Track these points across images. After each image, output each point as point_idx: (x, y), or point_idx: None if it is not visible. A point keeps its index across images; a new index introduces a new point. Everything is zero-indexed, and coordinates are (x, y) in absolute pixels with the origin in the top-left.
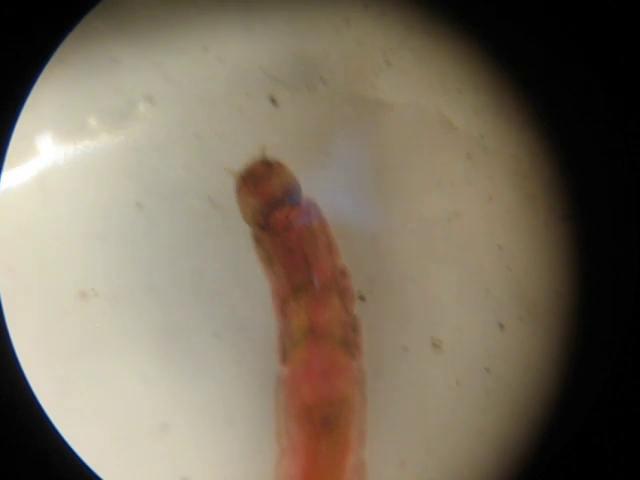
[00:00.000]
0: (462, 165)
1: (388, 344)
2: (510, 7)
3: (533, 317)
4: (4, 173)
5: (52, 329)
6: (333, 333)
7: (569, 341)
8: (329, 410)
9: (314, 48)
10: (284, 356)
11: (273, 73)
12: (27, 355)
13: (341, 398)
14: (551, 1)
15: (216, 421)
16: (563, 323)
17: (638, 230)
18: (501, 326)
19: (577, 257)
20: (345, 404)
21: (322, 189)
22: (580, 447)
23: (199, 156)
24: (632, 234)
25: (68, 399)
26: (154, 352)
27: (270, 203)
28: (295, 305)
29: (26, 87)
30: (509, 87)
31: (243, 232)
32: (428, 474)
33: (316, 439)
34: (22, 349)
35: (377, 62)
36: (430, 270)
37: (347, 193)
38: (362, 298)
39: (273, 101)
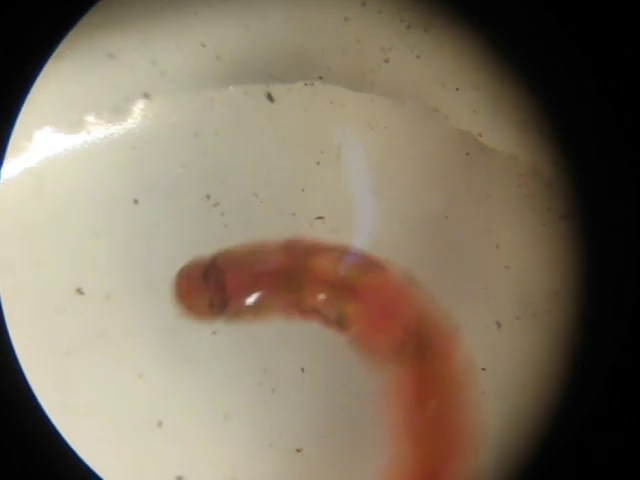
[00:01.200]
0: (460, 163)
1: None
2: (510, 5)
3: (531, 316)
4: (2, 169)
5: (49, 326)
6: (353, 273)
7: (567, 340)
8: (414, 338)
9: (312, 45)
10: (341, 324)
11: (271, 70)
12: (25, 351)
13: (415, 318)
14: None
15: (213, 419)
16: (561, 322)
17: (638, 230)
18: (498, 325)
19: (575, 256)
20: (422, 320)
21: (317, 185)
22: (579, 447)
23: (197, 153)
24: (632, 233)
25: (65, 395)
26: (151, 349)
27: (207, 294)
28: (303, 297)
29: (25, 85)
30: (508, 86)
31: (241, 229)
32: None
33: (417, 367)
34: (20, 345)
35: (375, 60)
36: (427, 269)
37: (344, 191)
38: None
39: (270, 98)
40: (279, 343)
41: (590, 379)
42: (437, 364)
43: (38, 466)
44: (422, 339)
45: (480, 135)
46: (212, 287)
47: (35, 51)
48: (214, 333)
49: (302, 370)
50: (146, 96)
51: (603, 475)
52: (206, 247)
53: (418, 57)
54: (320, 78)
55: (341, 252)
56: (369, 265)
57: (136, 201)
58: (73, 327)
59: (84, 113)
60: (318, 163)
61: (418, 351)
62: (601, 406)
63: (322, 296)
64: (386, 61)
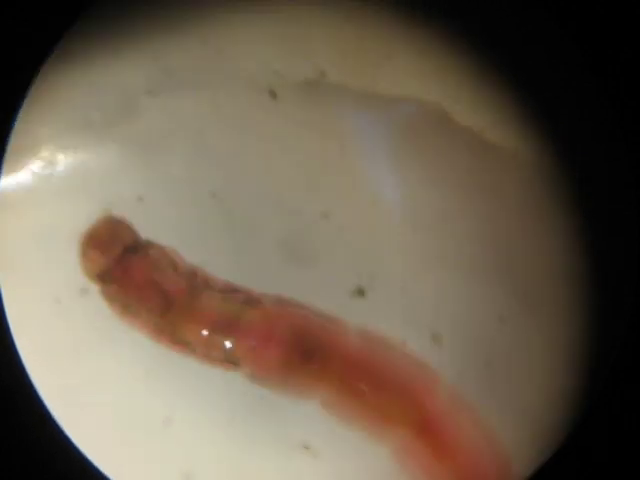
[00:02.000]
0: (462, 159)
1: (388, 338)
2: (511, 4)
3: (533, 311)
4: (4, 169)
5: (54, 325)
6: (226, 311)
7: (569, 335)
8: (297, 348)
9: (314, 41)
10: (232, 363)
11: (273, 67)
12: (29, 352)
13: (294, 332)
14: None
15: (219, 416)
16: (563, 317)
17: (638, 227)
18: (501, 319)
19: (577, 251)
20: (300, 330)
21: (321, 182)
22: (582, 443)
23: (200, 150)
24: (633, 229)
25: (70, 394)
26: (158, 347)
27: (109, 261)
28: (180, 330)
29: (26, 83)
30: (510, 81)
31: (244, 227)
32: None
33: (315, 371)
34: (24, 346)
35: (377, 56)
36: (430, 264)
37: (346, 187)
38: (362, 293)
39: (273, 95)
40: None
41: (592, 373)
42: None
43: (42, 465)
44: (304, 346)
45: (482, 130)
46: (120, 259)
47: (36, 48)
48: None
49: None
50: (150, 93)
51: (603, 475)
52: (210, 245)
53: (419, 53)
54: (323, 75)
55: (227, 290)
56: (249, 301)
57: (141, 198)
58: (78, 326)
59: (88, 111)
60: (322, 160)
61: (304, 357)
62: (601, 406)
63: (204, 332)
64: (388, 57)
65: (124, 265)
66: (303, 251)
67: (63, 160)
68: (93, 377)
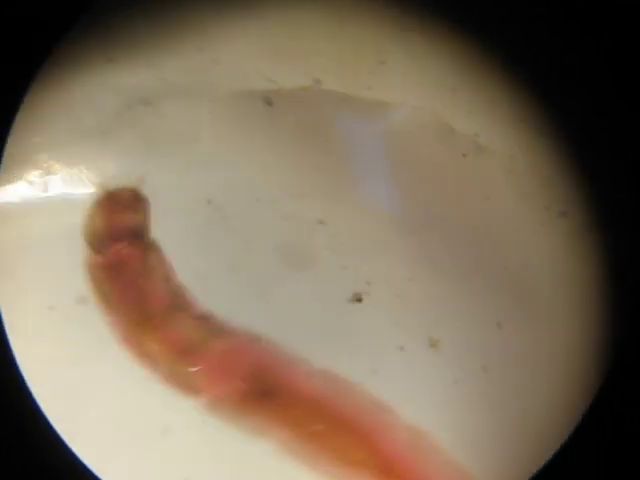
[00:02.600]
0: (457, 164)
1: (385, 343)
2: (505, 6)
3: (530, 316)
4: (1, 177)
5: (52, 334)
6: (195, 338)
7: (567, 340)
8: (257, 384)
9: (308, 48)
10: (191, 389)
11: (268, 74)
12: (27, 360)
13: (256, 368)
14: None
15: (218, 422)
16: (560, 322)
17: (637, 227)
18: (499, 325)
19: (574, 255)
20: (262, 367)
21: (316, 188)
22: (578, 447)
23: (196, 157)
24: (631, 231)
25: (69, 403)
26: None
27: (113, 234)
28: (143, 339)
29: (22, 90)
30: (504, 86)
31: (242, 232)
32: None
33: (273, 409)
34: (22, 355)
35: (372, 62)
36: (427, 270)
37: (342, 193)
38: (359, 299)
39: (268, 102)
40: None
41: (589, 378)
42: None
43: (42, 473)
44: (264, 384)
45: (477, 135)
46: (121, 237)
47: (31, 57)
48: None
49: None
50: (145, 101)
51: (603, 475)
52: (207, 252)
53: (414, 58)
54: (317, 82)
55: (201, 317)
56: (220, 331)
57: None
58: (76, 335)
59: (84, 118)
60: (317, 167)
61: (263, 395)
62: (599, 407)
63: (169, 353)
64: (382, 63)
65: (121, 255)
66: (300, 258)
67: (59, 168)
68: (92, 385)
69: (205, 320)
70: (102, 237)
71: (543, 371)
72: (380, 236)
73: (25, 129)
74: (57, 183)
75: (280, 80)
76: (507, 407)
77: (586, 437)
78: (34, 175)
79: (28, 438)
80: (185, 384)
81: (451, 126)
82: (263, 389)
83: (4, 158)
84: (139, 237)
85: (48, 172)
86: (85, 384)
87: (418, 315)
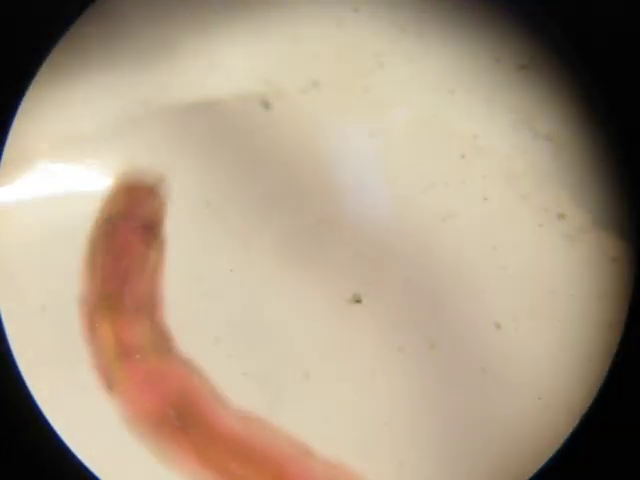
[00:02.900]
0: (456, 165)
1: (384, 344)
2: (503, 8)
3: (529, 316)
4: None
5: (52, 336)
6: (142, 345)
7: (566, 340)
8: (176, 410)
9: (306, 51)
10: (110, 383)
11: (265, 77)
12: (26, 361)
13: (180, 394)
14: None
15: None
16: (560, 322)
17: (635, 228)
18: (497, 326)
19: (572, 256)
20: (187, 396)
21: (315, 191)
22: (578, 448)
23: (194, 160)
24: (629, 233)
25: (68, 403)
26: None
27: (129, 214)
28: (101, 319)
29: (19, 94)
30: (502, 87)
31: (240, 235)
32: (425, 474)
33: (188, 440)
34: (21, 355)
35: (370, 64)
36: (425, 271)
37: (341, 195)
38: (358, 300)
39: (266, 105)
40: None
41: (588, 380)
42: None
43: (41, 474)
44: (183, 414)
45: (475, 136)
46: (132, 227)
47: (30, 59)
48: (216, 339)
49: None
50: (144, 104)
51: (603, 475)
52: (206, 253)
53: (412, 61)
54: (315, 84)
55: (158, 327)
56: (163, 347)
57: None
58: (75, 336)
59: (82, 122)
60: (315, 169)
61: (180, 424)
62: (599, 408)
63: (109, 341)
64: (380, 66)
65: (127, 238)
66: (299, 259)
67: (57, 171)
68: (90, 386)
69: (161, 335)
70: (118, 214)
71: (542, 372)
72: (379, 238)
73: (24, 130)
74: (55, 186)
75: (278, 83)
76: (507, 408)
77: (586, 437)
78: (32, 178)
79: (26, 437)
80: (108, 380)
81: (449, 127)
82: (184, 419)
83: (3, 159)
84: (151, 229)
85: (46, 175)
86: (83, 383)
87: (417, 316)
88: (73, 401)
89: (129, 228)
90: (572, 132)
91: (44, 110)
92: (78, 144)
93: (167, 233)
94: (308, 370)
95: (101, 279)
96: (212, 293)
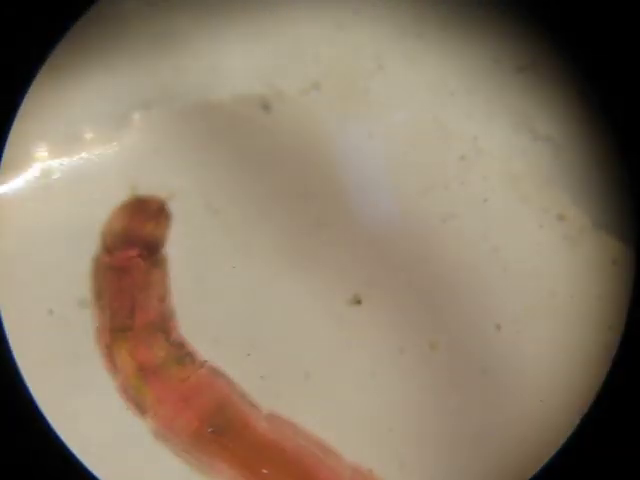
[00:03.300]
0: (456, 167)
1: (385, 346)
2: (502, 9)
3: (529, 318)
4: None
5: (52, 336)
6: (163, 361)
7: (566, 341)
8: (213, 422)
9: (306, 54)
10: (141, 408)
11: (265, 79)
12: (26, 360)
13: (214, 405)
14: (544, 4)
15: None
16: (560, 323)
17: (635, 230)
18: (498, 327)
19: (572, 257)
20: (221, 406)
21: (316, 192)
22: (578, 448)
23: (194, 163)
24: (629, 234)
25: (67, 402)
26: None
27: (129, 239)
28: (117, 349)
29: (18, 96)
30: (502, 89)
31: (242, 235)
32: (426, 475)
33: (223, 448)
34: (21, 355)
35: (370, 66)
36: (426, 272)
37: (341, 196)
38: (358, 301)
39: (266, 107)
40: None
41: (587, 381)
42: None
43: (39, 472)
44: (220, 425)
45: (475, 138)
46: (134, 244)
47: (28, 58)
48: (214, 340)
49: None
50: (144, 106)
51: (603, 476)
52: (208, 256)
53: (412, 63)
54: (315, 86)
55: (176, 343)
56: (188, 360)
57: None
58: (76, 337)
59: (82, 124)
60: (315, 171)
61: (217, 435)
62: (598, 409)
63: (130, 367)
64: (380, 67)
65: (128, 262)
66: (299, 260)
67: (58, 172)
68: (90, 385)
69: (179, 347)
70: (117, 238)
71: (543, 373)
72: (379, 239)
73: (24, 131)
74: (55, 186)
75: (278, 85)
76: (507, 408)
77: (586, 438)
78: (33, 177)
79: (25, 436)
80: (136, 401)
81: (450, 129)
82: (217, 425)
83: (3, 161)
84: (152, 251)
85: (47, 175)
86: (83, 383)
87: (417, 317)
88: (73, 401)
89: (129, 253)
90: (572, 133)
91: (44, 111)
92: (78, 145)
93: (168, 249)
94: (308, 370)
95: (110, 315)
96: (212, 294)
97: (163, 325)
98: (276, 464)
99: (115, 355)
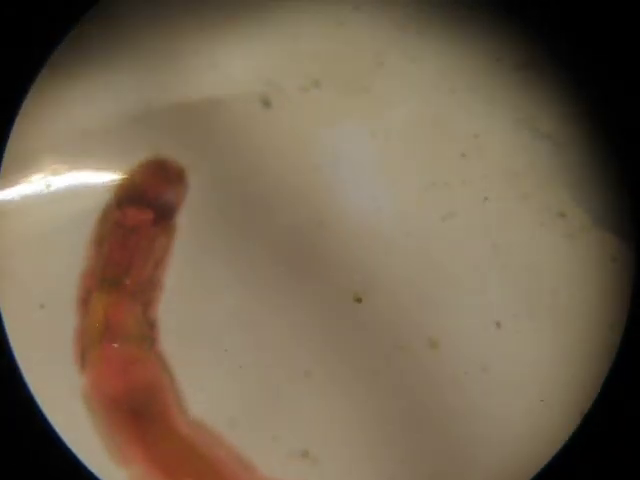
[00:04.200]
0: (457, 165)
1: (384, 344)
2: (503, 6)
3: (529, 315)
4: (0, 179)
5: (53, 335)
6: (128, 332)
7: (567, 340)
8: (135, 399)
9: (306, 51)
10: (83, 360)
11: (266, 76)
12: (26, 360)
13: (144, 386)
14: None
15: (217, 422)
16: (560, 321)
17: (636, 228)
18: (497, 324)
19: (572, 255)
20: (149, 391)
21: (316, 190)
22: (578, 448)
23: (194, 160)
24: (629, 232)
25: (68, 402)
26: None
27: (145, 197)
28: (96, 299)
29: (21, 94)
30: (502, 86)
31: (241, 233)
32: (426, 473)
33: (137, 433)
34: (21, 354)
35: (370, 63)
36: (426, 270)
37: (341, 194)
38: (358, 300)
39: (266, 104)
40: None
41: (588, 379)
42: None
43: (40, 473)
44: (140, 405)
45: (475, 136)
46: (148, 204)
47: (32, 61)
48: (215, 340)
49: None
50: (144, 106)
51: (603, 476)
52: (209, 256)
53: (412, 60)
54: (315, 83)
55: (147, 318)
56: (146, 337)
57: None
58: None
59: (82, 124)
60: (315, 168)
61: (133, 413)
62: (600, 407)
63: (98, 318)
64: (380, 64)
65: (138, 222)
66: (299, 259)
67: (59, 171)
68: None
69: (148, 327)
70: (134, 193)
71: (543, 371)
72: (379, 238)
73: (26, 131)
74: (56, 185)
75: (279, 82)
76: (507, 407)
77: (586, 437)
78: (34, 177)
79: (26, 436)
80: (84, 351)
81: (450, 127)
82: (139, 411)
83: (4, 159)
84: (164, 216)
85: (48, 174)
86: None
87: (417, 315)
88: (73, 402)
89: (142, 214)
90: (572, 131)
91: (46, 110)
92: (79, 144)
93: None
94: (309, 369)
95: (104, 264)
96: (211, 292)
97: (147, 293)
98: (192, 469)
99: (91, 303)
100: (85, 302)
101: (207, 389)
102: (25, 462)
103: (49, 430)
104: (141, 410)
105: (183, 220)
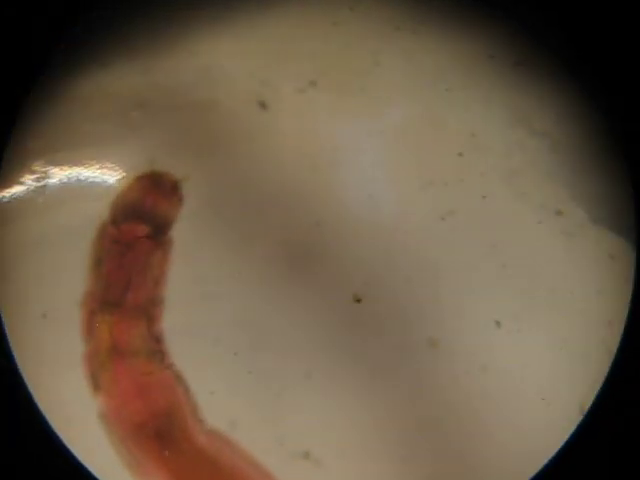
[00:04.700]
0: (454, 164)
1: (384, 344)
2: (499, 6)
3: (529, 314)
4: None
5: (52, 338)
6: (136, 350)
7: (567, 338)
8: (158, 422)
9: (302, 51)
10: (95, 382)
11: (262, 77)
12: (26, 362)
13: (165, 407)
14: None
15: (218, 423)
16: (560, 320)
17: (634, 225)
18: (497, 323)
19: (571, 253)
20: (171, 410)
21: (314, 191)
22: (578, 448)
23: (191, 162)
24: (627, 229)
25: (69, 405)
26: None
27: (140, 213)
28: (100, 320)
29: (20, 96)
30: (498, 84)
31: (241, 235)
32: (426, 473)
33: (158, 451)
34: (21, 356)
35: (366, 63)
36: (425, 269)
37: (340, 194)
38: (358, 300)
39: (263, 105)
40: None
41: (588, 377)
42: (176, 452)
43: (42, 476)
44: (163, 427)
45: (473, 134)
46: (142, 220)
47: (28, 63)
48: (216, 340)
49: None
50: (140, 105)
51: (603, 475)
52: (207, 258)
53: (408, 59)
54: (312, 84)
55: (154, 336)
56: (157, 356)
57: None
58: (76, 338)
59: (79, 125)
60: (313, 169)
61: (157, 436)
62: (601, 405)
63: (104, 341)
64: (377, 64)
65: (133, 238)
66: (298, 259)
67: (56, 173)
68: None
69: (155, 342)
70: (128, 210)
71: (542, 369)
72: (378, 237)
73: (23, 134)
74: (54, 188)
75: (275, 83)
76: (507, 406)
77: (587, 437)
78: (32, 179)
79: (27, 439)
80: (95, 374)
81: (447, 126)
82: (159, 429)
83: (2, 163)
84: (160, 230)
85: (45, 177)
86: (84, 385)
87: (417, 315)
88: (73, 403)
89: (137, 229)
90: (569, 129)
91: (44, 112)
92: (78, 146)
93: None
94: (309, 370)
95: (105, 286)
96: (212, 294)
97: (150, 310)
98: (210, 477)
99: (96, 324)
100: (89, 324)
101: (213, 393)
102: (25, 464)
103: (57, 442)
104: (164, 430)
105: (182, 224)
